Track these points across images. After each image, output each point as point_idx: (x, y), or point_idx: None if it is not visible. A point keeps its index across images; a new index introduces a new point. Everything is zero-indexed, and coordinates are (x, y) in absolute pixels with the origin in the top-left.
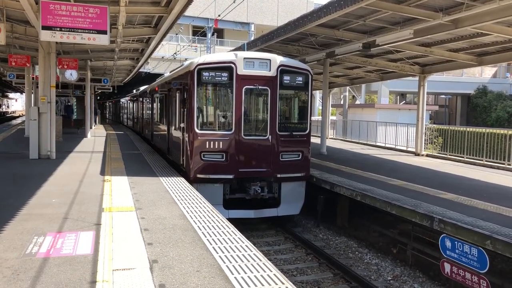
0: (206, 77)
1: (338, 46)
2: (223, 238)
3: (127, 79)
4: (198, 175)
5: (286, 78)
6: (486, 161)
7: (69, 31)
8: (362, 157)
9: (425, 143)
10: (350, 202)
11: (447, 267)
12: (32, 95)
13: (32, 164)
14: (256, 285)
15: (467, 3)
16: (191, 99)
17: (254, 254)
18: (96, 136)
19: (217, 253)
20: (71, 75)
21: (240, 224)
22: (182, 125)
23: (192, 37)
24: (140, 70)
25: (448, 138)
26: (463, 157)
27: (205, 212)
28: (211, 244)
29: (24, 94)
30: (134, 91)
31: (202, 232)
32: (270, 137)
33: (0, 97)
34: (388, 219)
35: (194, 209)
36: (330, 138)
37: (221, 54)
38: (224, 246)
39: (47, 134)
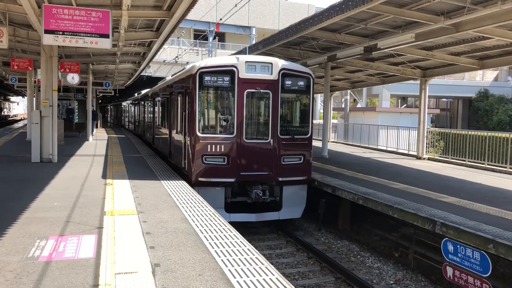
0: (208, 81)
1: (339, 49)
2: (225, 242)
3: (128, 82)
4: (200, 179)
5: (288, 81)
6: (488, 164)
7: (71, 35)
8: (363, 161)
9: (426, 146)
10: (352, 206)
11: (450, 271)
12: (34, 98)
13: (34, 168)
14: None
15: (468, 7)
16: (192, 102)
17: (256, 257)
18: (97, 139)
19: (219, 256)
20: (73, 79)
21: (241, 228)
22: (183, 128)
23: (193, 41)
24: (142, 73)
25: (450, 141)
26: (464, 161)
27: (207, 216)
28: (213, 248)
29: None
30: (136, 94)
31: (204, 236)
32: (271, 140)
33: (2, 100)
34: (390, 223)
35: (196, 213)
36: (331, 142)
37: (222, 57)
38: (226, 250)
39: (49, 137)
